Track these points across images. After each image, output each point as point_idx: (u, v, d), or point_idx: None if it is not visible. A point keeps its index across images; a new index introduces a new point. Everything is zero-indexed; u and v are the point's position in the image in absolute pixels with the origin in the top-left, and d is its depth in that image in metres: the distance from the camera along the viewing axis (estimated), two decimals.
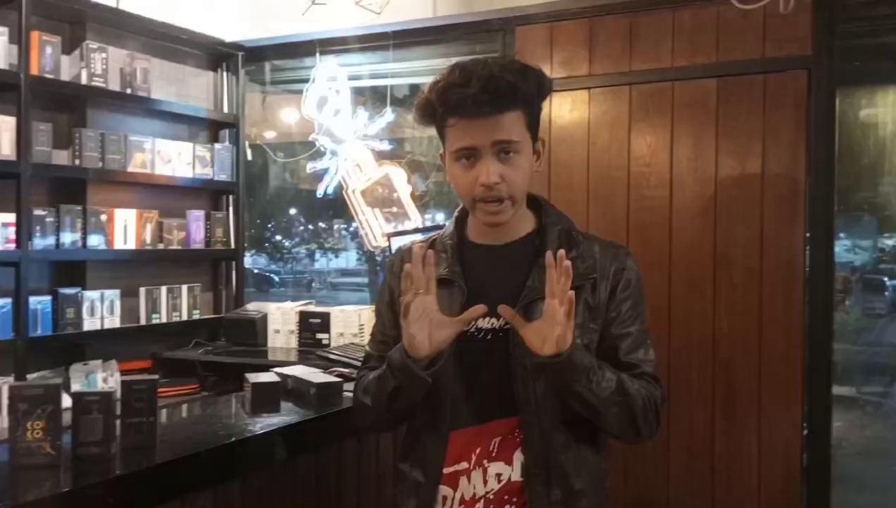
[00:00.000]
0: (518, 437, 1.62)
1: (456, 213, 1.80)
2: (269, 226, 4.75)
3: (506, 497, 1.63)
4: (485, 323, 1.64)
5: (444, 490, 1.67)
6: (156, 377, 2.05)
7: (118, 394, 1.97)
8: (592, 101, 3.43)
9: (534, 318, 1.54)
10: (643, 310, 1.71)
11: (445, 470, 1.66)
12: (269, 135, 4.76)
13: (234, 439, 2.11)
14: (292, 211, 4.78)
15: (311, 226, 4.82)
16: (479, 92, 1.51)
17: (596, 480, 1.71)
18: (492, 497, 1.63)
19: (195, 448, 2.03)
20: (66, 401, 1.92)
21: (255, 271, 4.75)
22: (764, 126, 3.14)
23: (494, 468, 1.63)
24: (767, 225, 3.12)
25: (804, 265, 3.07)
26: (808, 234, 3.07)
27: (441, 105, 1.58)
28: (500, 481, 1.63)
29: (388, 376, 1.61)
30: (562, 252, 1.50)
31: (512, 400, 1.61)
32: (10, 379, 3.19)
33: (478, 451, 1.64)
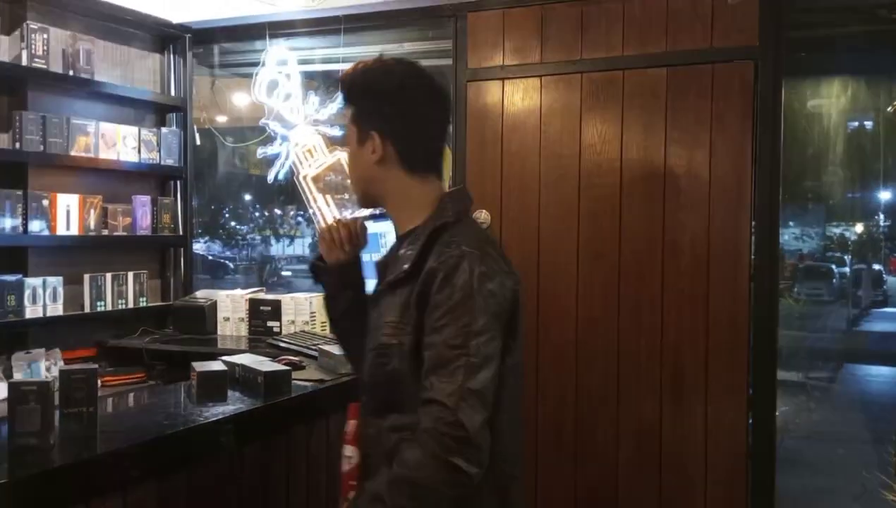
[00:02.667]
0: (358, 424, 1.73)
1: None
2: (225, 212, 4.67)
3: (351, 483, 1.72)
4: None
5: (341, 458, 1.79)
6: (95, 366, 2.01)
7: (57, 384, 1.92)
8: (544, 89, 3.44)
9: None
10: (467, 325, 1.51)
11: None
12: (219, 119, 4.68)
13: (179, 429, 2.08)
14: (246, 197, 4.71)
15: (265, 213, 4.76)
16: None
17: None
18: (344, 476, 1.75)
19: (138, 438, 2.00)
20: (4, 391, 1.87)
21: (210, 257, 4.66)
22: (712, 115, 3.18)
23: (348, 450, 1.75)
24: (714, 213, 3.16)
25: (750, 253, 3.12)
26: (754, 222, 3.11)
27: None
28: (349, 463, 1.74)
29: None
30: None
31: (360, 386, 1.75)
32: None
33: (344, 432, 1.78)
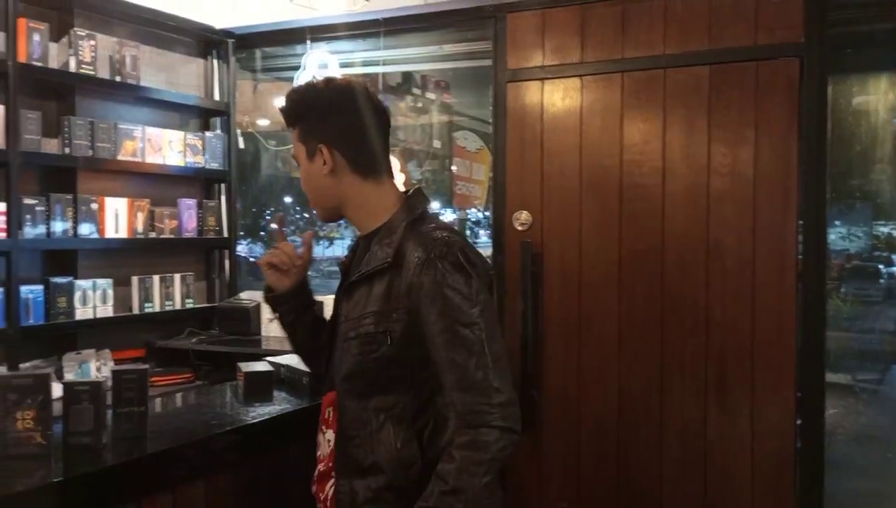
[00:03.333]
0: (336, 409, 1.83)
1: None
2: (267, 214, 4.73)
3: (330, 465, 1.84)
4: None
5: (318, 448, 1.94)
6: (146, 367, 2.05)
7: (109, 384, 1.97)
8: (584, 89, 3.42)
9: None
10: (471, 302, 1.65)
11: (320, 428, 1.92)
12: (261, 123, 4.74)
13: (226, 429, 2.11)
14: (287, 199, 4.77)
15: (306, 215, 4.81)
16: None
17: (395, 464, 1.72)
18: (323, 459, 1.88)
19: (186, 438, 2.03)
20: (59, 391, 1.92)
21: (251, 259, 4.73)
22: (756, 114, 3.13)
23: (328, 434, 1.87)
24: (760, 212, 3.12)
25: (796, 252, 3.07)
26: (800, 222, 3.07)
27: None
28: (329, 446, 1.86)
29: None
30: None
31: (336, 374, 1.84)
32: (3, 369, 3.18)
33: (322, 417, 1.90)
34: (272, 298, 2.07)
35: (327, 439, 1.87)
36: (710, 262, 3.20)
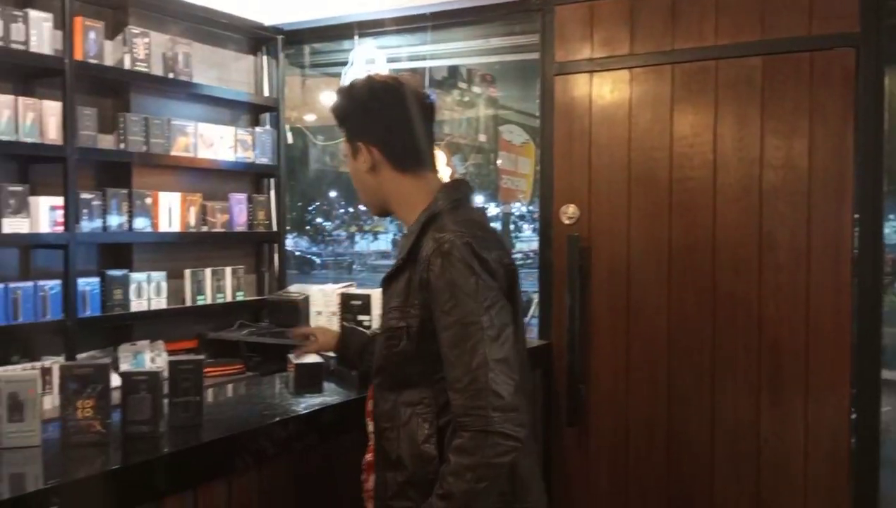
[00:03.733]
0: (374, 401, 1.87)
1: None
2: (311, 208, 4.78)
3: (371, 457, 1.89)
4: None
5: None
6: (202, 357, 2.10)
7: (165, 374, 2.01)
8: (633, 81, 3.39)
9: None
10: (474, 301, 1.63)
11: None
12: (309, 118, 4.78)
13: (278, 418, 2.14)
14: (332, 193, 4.81)
15: (350, 209, 4.84)
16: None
17: (416, 459, 1.73)
18: (370, 449, 1.91)
19: (241, 427, 2.06)
20: (116, 381, 1.97)
21: (297, 253, 4.78)
22: (811, 105, 3.07)
23: (370, 425, 1.90)
24: (814, 206, 3.06)
25: (852, 246, 3.01)
26: (856, 215, 3.00)
27: None
28: (370, 439, 1.90)
29: None
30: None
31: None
32: (61, 359, 3.26)
33: (367, 409, 1.93)
34: (345, 359, 2.45)
35: (370, 430, 1.91)
36: (763, 257, 3.15)
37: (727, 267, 3.20)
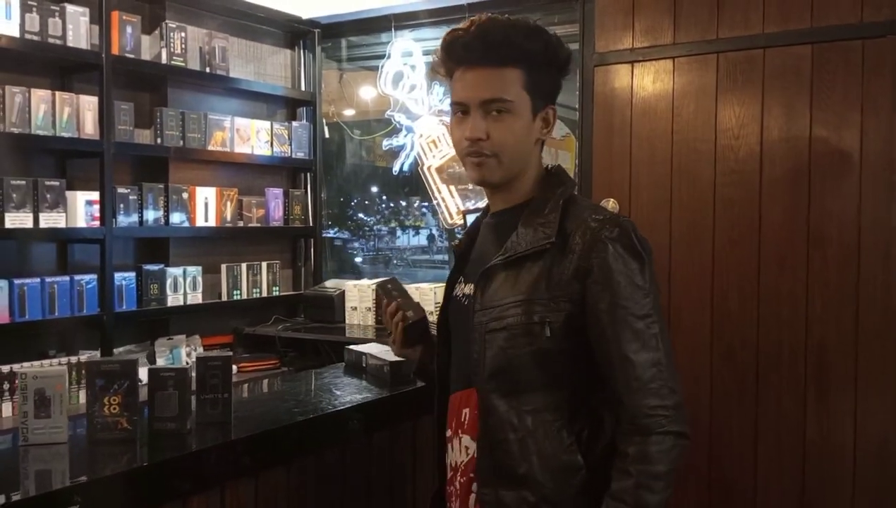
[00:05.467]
0: (478, 410, 1.57)
1: None
2: (353, 202, 4.76)
3: (471, 475, 1.59)
4: (466, 289, 1.65)
5: (448, 454, 1.68)
6: (229, 353, 2.07)
7: (193, 371, 1.98)
8: (676, 71, 3.29)
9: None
10: (646, 292, 1.47)
11: (446, 433, 1.69)
12: (347, 112, 4.75)
13: (309, 416, 2.11)
14: (373, 189, 4.79)
15: (391, 204, 4.83)
16: (472, 39, 1.51)
17: (555, 472, 1.50)
18: (462, 468, 1.62)
19: (270, 424, 2.03)
20: (146, 376, 1.94)
21: (347, 249, 4.79)
22: (862, 95, 2.95)
23: (465, 440, 1.62)
24: (865, 200, 2.94)
25: None
26: None
27: (441, 50, 1.58)
28: (467, 454, 1.61)
29: None
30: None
31: (476, 370, 1.57)
32: (97, 353, 3.28)
33: (455, 420, 1.64)
34: (417, 373, 1.91)
35: (464, 445, 1.62)
36: (811, 252, 3.03)
37: (773, 263, 3.10)
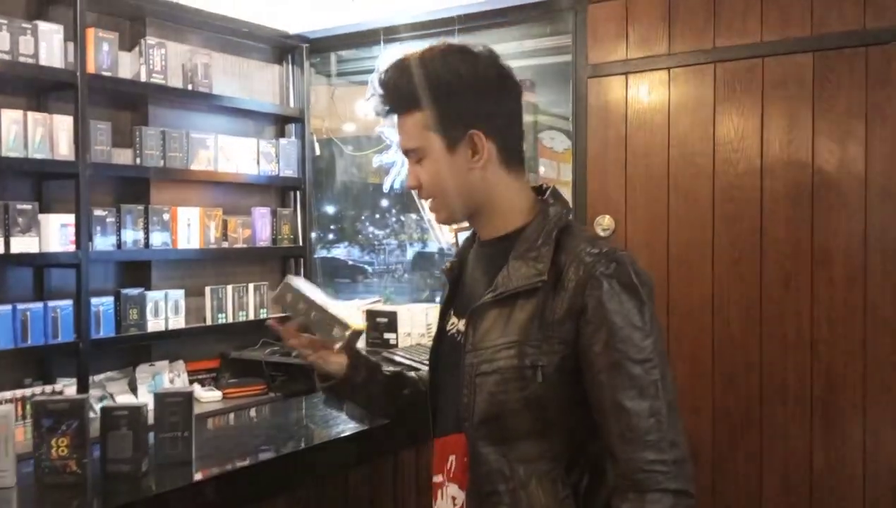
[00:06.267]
0: (466, 458, 1.46)
1: None
2: (342, 224, 4.66)
3: None
4: (459, 324, 1.52)
5: (437, 501, 1.56)
6: (191, 389, 1.93)
7: (150, 407, 1.86)
8: (672, 82, 3.17)
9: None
10: (645, 333, 1.34)
11: (434, 479, 1.56)
12: (337, 128, 4.64)
13: (277, 453, 1.98)
14: (364, 206, 4.71)
15: (384, 223, 4.73)
16: (382, 89, 1.50)
17: None
18: None
19: (235, 463, 1.90)
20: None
21: (350, 262, 4.71)
22: (866, 105, 2.84)
23: (451, 489, 1.50)
24: (871, 215, 2.81)
25: None
26: None
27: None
28: (454, 505, 1.50)
29: None
30: None
31: (465, 415, 1.45)
32: (73, 381, 3.16)
33: (444, 467, 1.53)
34: (328, 388, 1.81)
35: (451, 495, 1.51)
36: (816, 272, 2.90)
37: (776, 284, 2.96)
